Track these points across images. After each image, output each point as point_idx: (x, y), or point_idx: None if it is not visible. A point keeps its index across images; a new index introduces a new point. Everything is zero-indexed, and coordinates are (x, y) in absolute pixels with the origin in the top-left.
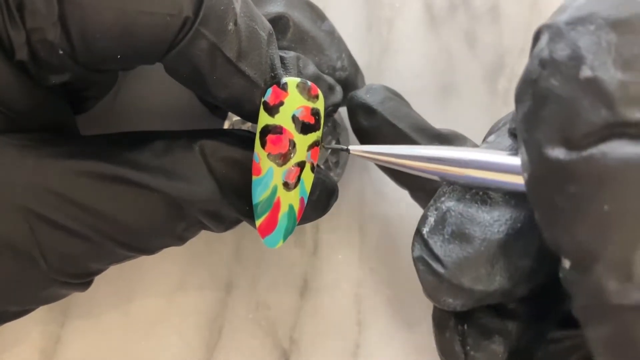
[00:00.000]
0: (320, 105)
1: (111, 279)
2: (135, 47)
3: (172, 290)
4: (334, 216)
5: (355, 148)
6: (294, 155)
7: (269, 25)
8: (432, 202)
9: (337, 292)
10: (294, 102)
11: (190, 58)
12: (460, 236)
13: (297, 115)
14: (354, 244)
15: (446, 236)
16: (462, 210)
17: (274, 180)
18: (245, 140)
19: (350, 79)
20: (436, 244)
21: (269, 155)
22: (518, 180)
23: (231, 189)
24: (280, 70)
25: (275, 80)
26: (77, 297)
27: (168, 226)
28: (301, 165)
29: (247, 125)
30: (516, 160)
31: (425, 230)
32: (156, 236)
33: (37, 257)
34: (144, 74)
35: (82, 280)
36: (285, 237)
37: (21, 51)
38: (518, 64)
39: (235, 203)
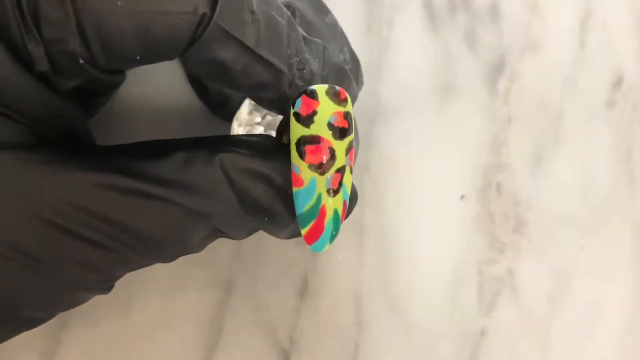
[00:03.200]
0: (349, 107)
1: None
2: (153, 47)
3: (172, 290)
4: None
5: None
6: (334, 162)
7: (286, 11)
8: None
9: (337, 292)
10: (326, 109)
11: (211, 52)
12: None
13: (332, 122)
14: (354, 244)
15: None
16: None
17: (317, 189)
18: (262, 148)
19: (351, 73)
20: None
21: (310, 166)
22: None
23: (251, 200)
24: (305, 54)
25: (302, 67)
26: None
27: (188, 237)
28: (342, 170)
29: (260, 129)
30: None
31: None
32: (176, 246)
33: (61, 267)
34: (144, 75)
35: (105, 285)
36: (331, 241)
37: (41, 63)
38: (518, 64)
39: (254, 214)
